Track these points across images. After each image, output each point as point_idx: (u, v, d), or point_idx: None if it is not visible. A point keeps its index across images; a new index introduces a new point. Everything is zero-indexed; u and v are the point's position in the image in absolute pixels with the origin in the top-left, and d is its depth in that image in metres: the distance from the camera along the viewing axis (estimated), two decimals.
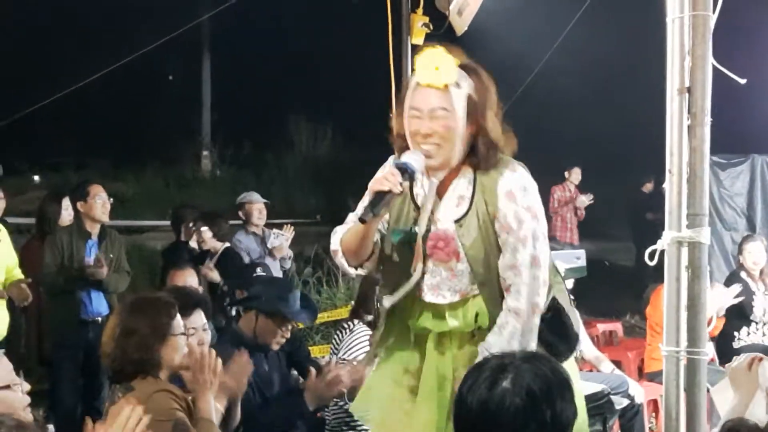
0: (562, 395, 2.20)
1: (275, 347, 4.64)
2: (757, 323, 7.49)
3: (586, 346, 6.76)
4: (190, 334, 3.92)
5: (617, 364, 7.22)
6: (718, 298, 7.01)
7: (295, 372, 5.16)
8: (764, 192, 12.66)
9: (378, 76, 5.09)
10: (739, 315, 7.43)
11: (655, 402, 6.81)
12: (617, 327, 9.10)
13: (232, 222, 8.44)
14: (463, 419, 2.24)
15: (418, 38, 4.84)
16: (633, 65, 14.26)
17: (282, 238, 8.31)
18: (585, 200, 13.06)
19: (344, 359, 4.94)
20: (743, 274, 7.61)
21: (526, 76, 10.92)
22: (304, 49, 19.98)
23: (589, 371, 6.64)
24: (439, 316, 3.32)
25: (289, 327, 4.63)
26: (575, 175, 13.57)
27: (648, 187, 13.47)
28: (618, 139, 16.36)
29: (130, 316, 3.46)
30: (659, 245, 3.52)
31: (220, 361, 3.58)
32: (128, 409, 2.56)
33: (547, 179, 14.11)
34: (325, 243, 14.28)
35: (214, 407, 3.52)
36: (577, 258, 6.61)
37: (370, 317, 5.15)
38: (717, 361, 7.21)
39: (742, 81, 3.62)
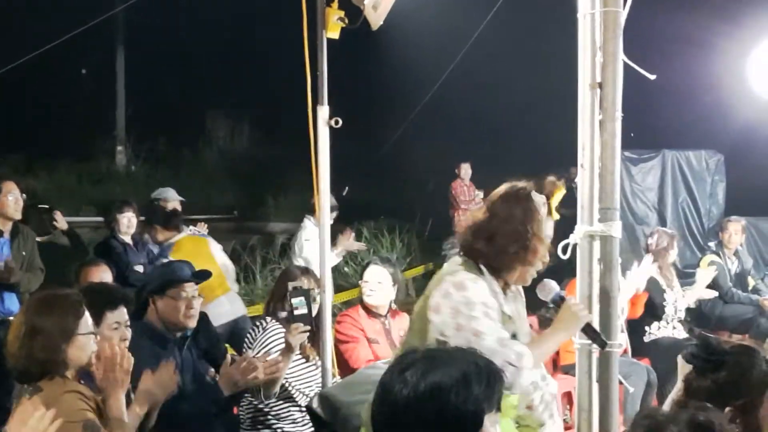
0: (476, 388, 2.20)
1: (190, 324, 4.59)
2: (668, 319, 7.65)
3: None
4: (114, 329, 3.89)
5: None
6: (635, 278, 7.16)
7: (212, 370, 5.10)
8: (675, 187, 12.96)
9: (295, 70, 5.05)
10: (650, 311, 7.57)
11: (569, 394, 6.90)
12: (533, 321, 9.17)
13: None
14: (377, 411, 2.23)
15: (333, 32, 4.81)
16: (546, 61, 14.43)
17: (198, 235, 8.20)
18: (479, 197, 13.54)
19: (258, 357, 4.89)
20: (655, 272, 7.75)
21: (441, 71, 10.98)
22: (221, 43, 19.81)
23: None
24: None
25: (192, 300, 4.59)
26: (464, 171, 13.86)
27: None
28: (533, 134, 16.54)
29: (36, 315, 3.37)
30: (572, 239, 3.55)
31: (132, 359, 3.52)
32: (39, 413, 2.49)
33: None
34: (242, 238, 14.23)
35: (124, 405, 3.46)
36: None
37: (284, 314, 5.10)
38: (630, 352, 7.33)
39: (652, 77, 3.67)
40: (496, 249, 3.38)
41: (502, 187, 3.52)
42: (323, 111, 4.92)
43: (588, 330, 3.44)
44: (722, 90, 12.28)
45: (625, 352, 7.25)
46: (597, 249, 3.53)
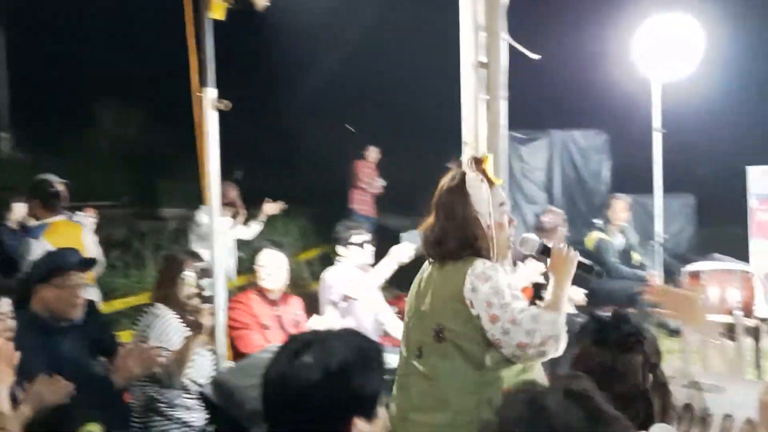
0: (366, 371, 2.21)
1: (75, 313, 4.47)
2: None
3: (390, 321, 6.87)
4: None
5: None
6: (528, 272, 7.27)
7: (104, 359, 5.00)
8: (562, 166, 13.21)
9: (180, 53, 4.97)
10: (539, 289, 7.72)
11: None
12: None
13: None
14: (267, 394, 2.22)
15: (218, 13, 4.74)
16: (433, 40, 14.53)
17: (88, 221, 8.01)
18: (380, 183, 13.55)
19: (159, 346, 4.81)
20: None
21: (335, 53, 10.95)
22: (107, 26, 19.35)
23: (397, 346, 6.73)
24: None
25: (78, 289, 4.49)
26: (373, 154, 13.92)
27: (453, 162, 13.84)
28: (422, 114, 16.64)
29: None
30: None
31: (16, 352, 3.43)
32: None
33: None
34: (133, 225, 13.93)
35: (7, 399, 3.37)
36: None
37: (181, 299, 5.03)
38: None
39: (537, 57, 3.72)
40: (463, 242, 3.39)
41: (439, 187, 3.51)
42: (210, 93, 4.85)
43: (580, 265, 3.54)
44: (607, 69, 12.54)
45: None
46: None
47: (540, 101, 13.33)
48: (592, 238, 9.29)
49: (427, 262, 3.59)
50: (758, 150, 11.67)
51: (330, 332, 2.32)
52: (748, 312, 7.66)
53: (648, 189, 10.38)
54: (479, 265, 3.34)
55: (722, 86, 13.63)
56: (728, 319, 7.64)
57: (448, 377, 3.34)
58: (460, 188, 3.42)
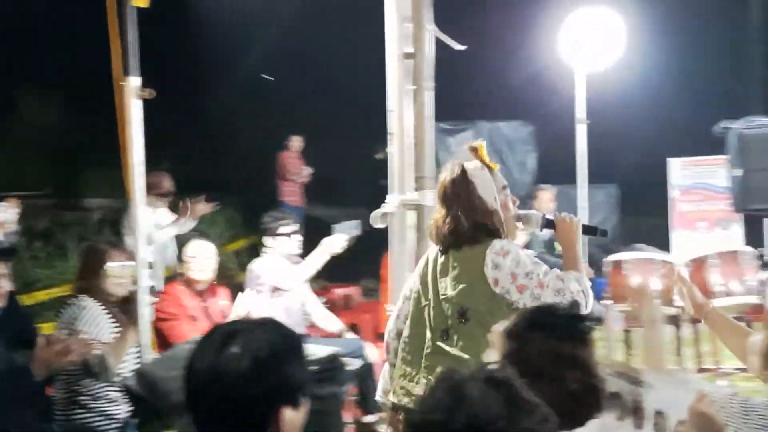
0: (291, 360, 2.20)
1: None
2: None
3: (317, 311, 6.88)
4: None
5: (355, 327, 7.38)
6: None
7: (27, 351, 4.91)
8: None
9: (103, 41, 4.90)
10: None
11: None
12: (354, 291, 9.28)
13: None
14: (192, 385, 2.19)
15: (141, 1, 4.68)
16: (360, 31, 14.52)
17: (10, 211, 7.84)
18: (307, 172, 13.54)
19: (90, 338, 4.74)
20: None
21: (264, 42, 10.88)
22: (28, 12, 18.93)
23: (324, 337, 6.76)
24: None
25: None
26: (296, 143, 13.89)
27: (382, 153, 13.86)
28: (350, 105, 16.62)
29: None
30: (385, 208, 3.59)
31: None
32: None
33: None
34: (56, 216, 13.66)
35: None
36: (355, 228, 6.76)
37: (106, 290, 4.98)
38: None
39: (462, 47, 3.74)
40: (477, 227, 3.53)
41: (441, 180, 3.64)
42: (133, 82, 4.79)
43: (586, 229, 3.76)
44: (532, 61, 12.67)
45: None
46: (411, 217, 3.59)
47: (466, 92, 13.39)
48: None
49: (434, 251, 3.67)
50: (678, 142, 11.91)
51: (253, 322, 2.31)
52: (668, 301, 7.81)
53: (572, 180, 10.53)
54: (497, 243, 3.49)
55: (644, 79, 13.85)
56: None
57: (478, 357, 3.36)
58: (463, 179, 3.57)
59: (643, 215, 12.36)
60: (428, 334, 3.60)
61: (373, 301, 9.07)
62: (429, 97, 3.51)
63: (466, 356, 3.47)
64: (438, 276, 3.61)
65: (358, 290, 9.63)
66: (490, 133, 13.40)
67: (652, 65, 13.73)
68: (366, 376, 6.48)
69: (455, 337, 3.53)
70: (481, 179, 3.58)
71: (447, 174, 3.65)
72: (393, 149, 3.56)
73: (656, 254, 8.51)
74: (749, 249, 8.67)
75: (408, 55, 3.46)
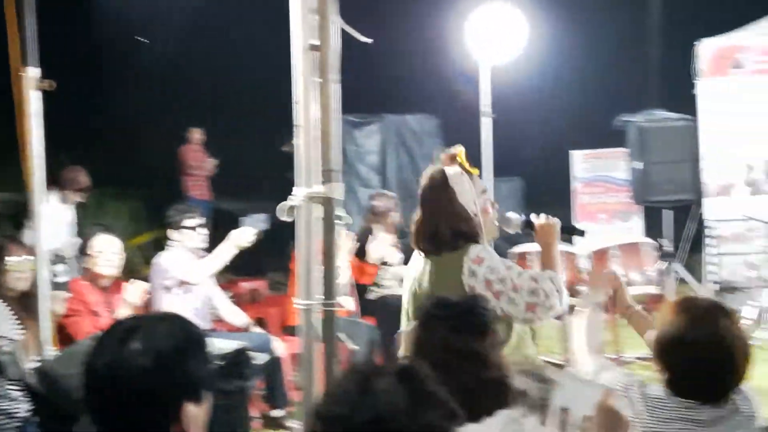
0: (194, 355, 2.18)
1: None
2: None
3: (223, 305, 6.83)
4: None
5: (261, 321, 7.34)
6: (346, 245, 7.40)
7: None
8: (396, 150, 13.39)
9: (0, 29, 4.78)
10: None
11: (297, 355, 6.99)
12: (261, 285, 9.23)
13: None
14: (92, 382, 2.15)
15: None
16: (265, 23, 14.42)
17: None
18: (211, 163, 13.43)
19: None
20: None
21: (161, 32, 10.72)
22: None
23: (231, 331, 6.71)
24: None
25: None
26: (197, 135, 13.76)
27: (288, 146, 13.78)
28: (256, 98, 16.52)
29: None
30: (292, 201, 3.57)
31: None
32: None
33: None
34: None
35: None
36: (263, 221, 6.72)
37: (6, 286, 4.86)
38: (359, 312, 7.55)
39: (369, 41, 3.74)
40: (456, 232, 3.65)
41: (422, 185, 3.81)
42: (32, 73, 4.67)
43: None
44: (441, 54, 12.76)
45: (355, 313, 7.46)
46: (318, 211, 3.57)
47: (373, 85, 13.44)
48: None
49: (419, 258, 3.80)
50: (580, 135, 12.15)
51: (154, 316, 2.28)
52: (572, 292, 7.95)
53: (478, 172, 10.63)
54: (472, 251, 3.60)
55: (547, 73, 14.10)
56: None
57: None
58: (443, 184, 3.72)
59: (547, 207, 12.52)
60: None
61: (281, 295, 9.02)
62: (335, 90, 3.50)
63: None
64: (420, 283, 3.74)
65: (265, 284, 9.58)
66: (397, 126, 13.45)
67: (555, 60, 13.98)
68: (273, 370, 6.46)
69: None
70: (461, 185, 3.72)
71: (427, 180, 3.79)
72: (299, 142, 3.54)
73: (559, 246, 8.67)
74: (649, 240, 8.90)
75: (314, 48, 3.44)
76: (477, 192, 3.77)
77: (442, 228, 3.67)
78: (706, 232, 10.15)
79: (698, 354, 2.69)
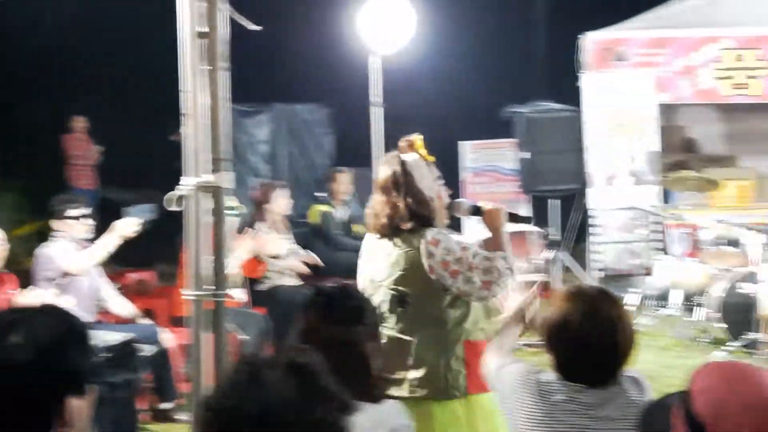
0: (75, 347, 2.13)
1: None
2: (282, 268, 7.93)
3: (110, 296, 6.71)
4: None
5: (149, 312, 7.23)
6: (249, 245, 7.37)
7: None
8: (286, 139, 13.34)
9: None
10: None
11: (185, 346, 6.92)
12: (149, 276, 9.08)
13: None
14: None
15: None
16: (152, 9, 14.15)
17: None
18: (95, 151, 13.19)
19: None
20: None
21: (42, 18, 10.43)
22: None
23: (117, 323, 6.60)
24: None
25: None
26: (80, 124, 13.48)
27: (176, 135, 13.57)
28: (143, 86, 16.22)
29: None
30: (181, 191, 3.52)
31: None
32: None
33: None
34: None
35: None
36: (149, 211, 6.60)
37: None
38: (251, 304, 7.51)
39: (258, 28, 3.71)
40: (413, 216, 3.83)
41: (381, 170, 3.97)
42: None
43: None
44: (331, 43, 12.73)
45: (246, 304, 7.41)
46: (207, 200, 3.53)
47: (263, 74, 13.33)
48: (316, 210, 9.43)
49: (372, 237, 4.02)
50: (469, 125, 12.29)
51: (34, 309, 2.21)
52: None
53: (369, 162, 10.66)
54: (429, 233, 3.79)
55: (435, 64, 14.17)
56: None
57: (417, 338, 3.79)
58: (403, 170, 3.88)
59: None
60: None
61: (169, 286, 8.89)
62: (224, 78, 3.46)
63: (405, 337, 3.80)
64: (376, 264, 3.94)
65: (153, 275, 9.43)
66: (287, 115, 13.39)
67: (444, 51, 14.09)
68: (161, 362, 6.38)
69: (393, 320, 3.84)
70: (419, 171, 3.90)
71: (387, 165, 3.95)
72: (188, 131, 3.49)
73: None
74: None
75: (201, 35, 3.39)
76: (432, 178, 3.96)
77: (400, 211, 3.84)
78: (591, 221, 10.40)
79: (585, 339, 2.77)
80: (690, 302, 8.63)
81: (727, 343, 7.82)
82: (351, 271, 9.18)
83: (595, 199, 10.26)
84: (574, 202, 10.81)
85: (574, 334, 2.78)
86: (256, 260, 7.65)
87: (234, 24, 3.52)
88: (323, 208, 9.42)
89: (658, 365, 7.55)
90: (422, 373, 3.80)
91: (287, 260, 7.93)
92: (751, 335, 7.47)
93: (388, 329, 3.82)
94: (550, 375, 2.89)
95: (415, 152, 4.00)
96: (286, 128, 13.35)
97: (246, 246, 7.23)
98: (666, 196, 10.49)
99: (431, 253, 3.76)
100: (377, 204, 3.94)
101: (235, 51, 3.53)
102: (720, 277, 8.31)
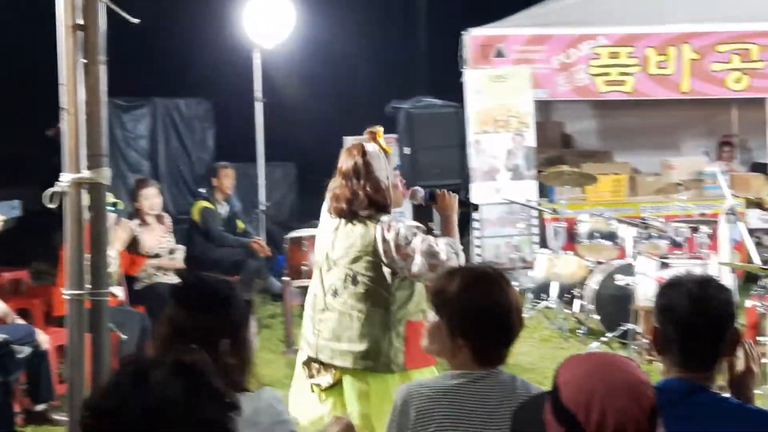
0: None
1: None
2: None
3: None
4: None
5: (25, 312, 7.03)
6: (123, 235, 7.27)
7: None
8: (166, 134, 13.12)
9: None
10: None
11: (63, 347, 6.75)
12: (24, 274, 8.82)
13: None
14: None
15: None
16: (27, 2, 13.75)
17: None
18: None
19: None
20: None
21: None
22: None
23: None
24: None
25: None
26: None
27: (53, 130, 13.24)
28: (19, 79, 15.74)
29: None
30: (58, 187, 3.43)
31: None
32: None
33: None
34: None
35: None
36: (13, 208, 6.39)
37: None
38: (129, 301, 7.37)
39: (136, 21, 3.63)
40: (371, 202, 4.14)
41: (343, 158, 4.28)
42: None
43: (462, 203, 4.43)
44: (213, 37, 12.59)
45: (125, 302, 7.27)
46: (86, 197, 3.45)
47: (143, 68, 13.08)
48: (198, 206, 9.33)
49: (329, 219, 4.33)
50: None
51: None
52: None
53: (251, 157, 10.59)
54: (384, 219, 4.13)
55: (320, 59, 14.19)
56: None
57: (363, 315, 4.13)
58: (363, 159, 4.19)
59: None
60: (319, 293, 4.28)
61: (46, 285, 8.66)
62: (102, 72, 3.38)
63: (353, 313, 4.14)
64: (333, 244, 4.24)
65: (28, 273, 9.16)
66: (166, 109, 13.16)
67: (326, 46, 14.11)
68: (37, 363, 6.21)
69: (344, 297, 4.17)
70: (377, 160, 4.20)
71: (348, 153, 4.26)
72: (65, 126, 3.40)
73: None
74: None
75: (79, 27, 3.30)
76: (390, 168, 4.28)
77: (359, 196, 4.15)
78: (472, 215, 10.55)
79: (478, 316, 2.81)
80: (568, 295, 8.83)
81: (603, 335, 8.03)
82: (234, 267, 9.17)
83: (476, 193, 10.40)
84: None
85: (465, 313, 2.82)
86: (133, 256, 7.52)
87: (113, 17, 3.44)
88: (205, 204, 9.32)
89: (536, 357, 7.71)
90: (366, 347, 4.12)
91: (166, 258, 7.82)
92: (626, 326, 7.69)
93: (340, 304, 4.18)
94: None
95: (376, 143, 4.28)
96: (165, 123, 13.13)
97: (120, 238, 7.14)
98: (544, 191, 10.71)
99: (385, 238, 4.07)
100: (338, 188, 4.24)
101: (114, 44, 3.46)
102: (596, 270, 8.53)
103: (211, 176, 9.59)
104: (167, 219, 8.08)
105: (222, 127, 13.49)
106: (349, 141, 11.79)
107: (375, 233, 4.10)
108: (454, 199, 4.36)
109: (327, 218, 4.37)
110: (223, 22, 10.89)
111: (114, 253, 6.79)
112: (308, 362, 4.31)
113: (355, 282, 4.16)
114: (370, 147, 4.26)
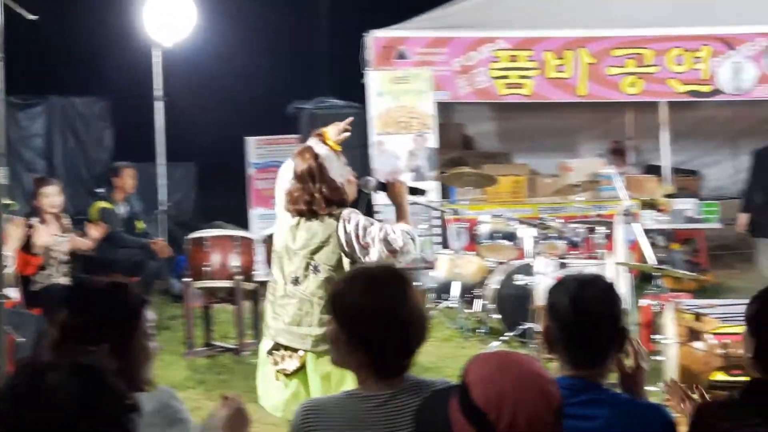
0: None
1: None
2: (56, 266, 7.67)
3: None
4: None
5: None
6: (16, 233, 7.12)
7: None
8: (63, 133, 12.86)
9: None
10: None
11: None
12: None
13: None
14: None
15: None
16: None
17: None
18: None
19: None
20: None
21: None
22: None
23: None
24: None
25: None
26: None
27: None
28: None
29: None
30: None
31: None
32: None
33: None
34: None
35: None
36: None
37: None
38: (24, 303, 7.22)
39: (34, 17, 3.57)
40: (328, 200, 4.35)
41: (296, 162, 4.42)
42: None
43: (412, 191, 4.78)
44: (112, 34, 12.37)
45: (19, 303, 7.11)
46: None
47: (38, 65, 12.79)
48: (96, 207, 9.17)
49: (287, 216, 4.47)
50: (256, 121, 12.25)
51: None
52: (248, 276, 8.06)
53: (151, 157, 10.45)
54: (344, 212, 4.37)
55: (221, 58, 14.08)
56: (229, 283, 8.00)
57: (323, 301, 4.21)
58: (316, 162, 4.37)
59: (222, 193, 12.57)
60: (280, 281, 4.47)
61: None
62: None
63: (313, 298, 4.33)
64: (294, 236, 4.42)
65: None
66: (63, 108, 12.91)
67: (228, 45, 13.99)
68: None
69: (305, 284, 4.38)
70: (330, 161, 4.41)
71: (301, 157, 4.42)
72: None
73: (235, 231, 8.75)
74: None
75: None
76: (342, 165, 4.49)
77: (316, 197, 4.34)
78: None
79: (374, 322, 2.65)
80: (469, 294, 8.93)
81: (503, 334, 8.14)
82: (134, 268, 9.03)
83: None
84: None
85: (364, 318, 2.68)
86: (28, 256, 7.37)
87: (9, 11, 3.37)
88: (103, 204, 9.17)
89: (437, 356, 7.77)
90: (323, 330, 4.12)
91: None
92: (526, 325, 7.81)
93: (300, 292, 4.38)
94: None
95: (325, 144, 4.48)
96: (62, 122, 12.86)
97: (14, 237, 6.99)
98: (445, 192, 10.81)
99: (346, 229, 4.32)
100: (296, 191, 4.40)
101: (9, 39, 3.39)
102: (496, 270, 8.65)
103: (112, 176, 9.43)
104: (65, 219, 7.93)
105: (120, 126, 13.28)
106: (251, 141, 11.78)
107: (336, 226, 4.35)
108: (404, 187, 4.64)
109: (285, 215, 4.54)
110: (123, 19, 10.72)
111: (10, 253, 6.63)
112: (272, 351, 4.46)
113: (316, 271, 4.38)
114: (321, 149, 4.45)
